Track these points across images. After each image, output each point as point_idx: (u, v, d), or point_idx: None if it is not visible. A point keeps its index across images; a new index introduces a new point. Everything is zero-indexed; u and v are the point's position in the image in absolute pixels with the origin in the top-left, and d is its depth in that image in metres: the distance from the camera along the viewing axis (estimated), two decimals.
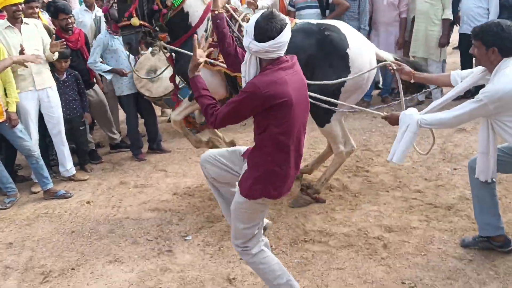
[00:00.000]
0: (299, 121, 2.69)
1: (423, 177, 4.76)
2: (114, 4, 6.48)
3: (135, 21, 4.03)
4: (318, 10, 6.85)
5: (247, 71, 2.70)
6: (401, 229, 3.88)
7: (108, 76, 5.89)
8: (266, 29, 2.52)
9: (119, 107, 6.53)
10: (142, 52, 5.62)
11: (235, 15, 4.17)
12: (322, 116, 4.21)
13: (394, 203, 4.31)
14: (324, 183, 4.48)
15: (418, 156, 5.16)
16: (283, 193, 2.81)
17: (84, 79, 5.75)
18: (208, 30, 4.19)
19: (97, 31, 6.53)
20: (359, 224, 4.00)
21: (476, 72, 3.28)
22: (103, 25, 6.32)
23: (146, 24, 4.11)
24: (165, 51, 4.38)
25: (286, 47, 2.63)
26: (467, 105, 3.04)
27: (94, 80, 6.13)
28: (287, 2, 7.06)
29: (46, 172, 5.05)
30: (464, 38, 6.73)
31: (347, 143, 4.43)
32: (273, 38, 2.53)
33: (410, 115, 3.24)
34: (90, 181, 5.47)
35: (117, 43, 5.77)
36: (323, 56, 4.08)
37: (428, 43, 6.75)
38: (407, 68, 3.71)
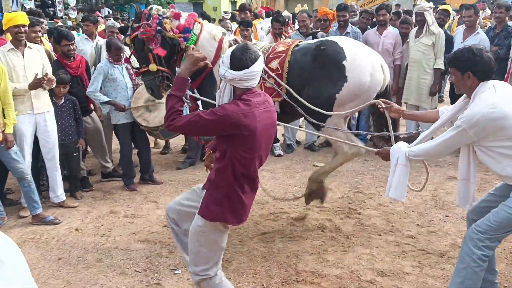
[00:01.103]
0: (258, 154, 2.79)
1: (415, 223, 4.78)
2: (116, 35, 6.62)
3: (153, 67, 4.32)
4: None
5: (221, 99, 2.81)
6: (393, 274, 3.86)
7: (105, 108, 5.89)
8: (241, 58, 2.67)
9: (114, 135, 6.52)
10: (140, 82, 5.68)
11: None
12: (316, 120, 4.32)
13: (387, 247, 4.31)
14: (324, 174, 4.58)
15: (410, 201, 5.21)
16: (242, 220, 2.88)
17: (82, 106, 5.74)
18: None
19: (97, 59, 6.60)
20: (352, 267, 3.98)
21: (459, 100, 3.34)
22: (104, 54, 6.38)
23: (164, 69, 4.38)
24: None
25: (259, 77, 2.77)
26: (448, 133, 3.07)
27: (92, 107, 6.13)
28: None
29: (36, 197, 4.97)
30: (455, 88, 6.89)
31: (351, 146, 4.34)
32: (247, 67, 2.67)
33: (399, 148, 3.32)
34: (79, 209, 5.39)
35: (117, 72, 5.80)
36: (317, 67, 4.32)
37: (420, 91, 6.92)
38: (396, 106, 3.80)
